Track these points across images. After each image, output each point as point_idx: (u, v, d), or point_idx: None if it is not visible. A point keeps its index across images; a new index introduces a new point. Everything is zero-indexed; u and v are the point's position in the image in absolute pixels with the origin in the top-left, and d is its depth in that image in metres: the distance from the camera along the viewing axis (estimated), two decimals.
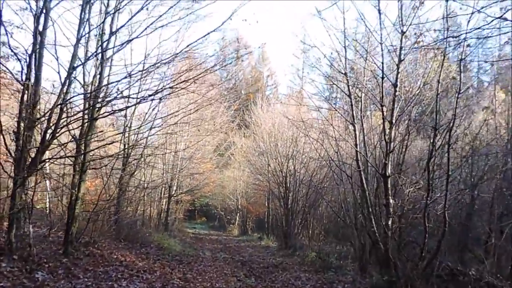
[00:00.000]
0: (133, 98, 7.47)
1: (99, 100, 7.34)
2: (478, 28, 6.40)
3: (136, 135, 11.38)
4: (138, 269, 8.55)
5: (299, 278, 10.57)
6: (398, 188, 9.75)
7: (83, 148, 7.75)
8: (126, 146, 10.74)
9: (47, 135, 6.44)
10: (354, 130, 9.82)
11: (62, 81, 6.65)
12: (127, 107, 7.30)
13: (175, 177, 19.80)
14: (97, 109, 7.60)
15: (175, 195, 21.16)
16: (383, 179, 9.07)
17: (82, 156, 7.78)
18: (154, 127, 11.01)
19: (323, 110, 14.47)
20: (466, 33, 6.81)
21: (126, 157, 11.85)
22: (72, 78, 6.94)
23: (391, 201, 8.90)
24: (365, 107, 10.42)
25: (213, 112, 19.84)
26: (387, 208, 8.91)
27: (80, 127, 7.81)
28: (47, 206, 10.26)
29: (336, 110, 10.70)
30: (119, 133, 8.17)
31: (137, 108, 12.61)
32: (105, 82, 8.34)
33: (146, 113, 11.33)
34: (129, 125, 11.70)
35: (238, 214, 32.31)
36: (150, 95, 7.10)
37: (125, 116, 12.13)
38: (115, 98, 7.27)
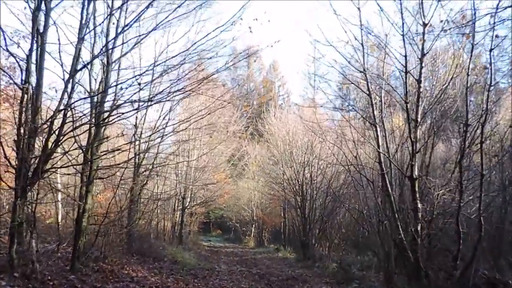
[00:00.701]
0: (143, 101, 7.04)
1: (106, 105, 6.93)
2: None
3: (147, 143, 10.98)
4: (150, 285, 8.03)
5: None
6: (426, 191, 9.12)
7: (89, 156, 7.32)
8: (136, 155, 10.30)
9: (49, 143, 6.02)
10: (376, 131, 9.24)
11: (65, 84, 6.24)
12: (138, 109, 6.81)
13: (189, 188, 19.35)
14: (104, 115, 7.18)
15: (188, 207, 20.69)
16: (410, 182, 8.45)
17: (89, 166, 7.34)
18: (165, 135, 10.57)
19: (339, 112, 13.93)
20: (496, 12, 6.24)
21: (136, 167, 11.45)
22: (76, 83, 6.54)
23: (419, 205, 8.26)
24: (386, 106, 9.85)
25: (226, 121, 19.42)
26: (415, 213, 8.28)
27: (87, 134, 7.41)
28: (58, 219, 9.84)
29: (355, 111, 10.10)
30: (128, 143, 7.70)
31: (147, 118, 12.27)
32: (112, 88, 7.96)
33: (157, 121, 10.93)
34: (139, 135, 11.31)
35: (253, 225, 31.62)
36: (160, 97, 6.67)
37: (135, 125, 11.77)
38: (124, 102, 6.83)
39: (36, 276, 5.86)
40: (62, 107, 6.11)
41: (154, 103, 6.86)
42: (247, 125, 24.24)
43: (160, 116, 10.96)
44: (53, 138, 6.20)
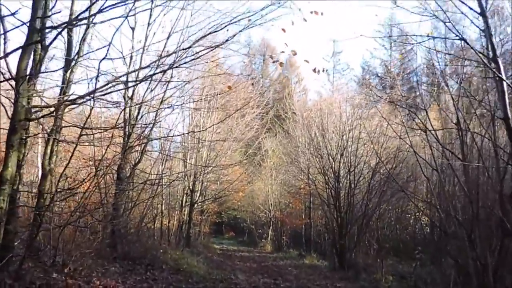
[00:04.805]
0: None
1: None
2: None
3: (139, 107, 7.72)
4: None
5: None
6: None
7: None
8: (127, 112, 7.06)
9: None
10: (497, 68, 5.72)
11: None
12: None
13: (198, 179, 16.09)
14: None
15: (199, 202, 17.38)
16: None
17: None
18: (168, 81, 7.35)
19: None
20: None
21: (126, 137, 8.20)
22: None
23: None
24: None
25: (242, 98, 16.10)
26: None
27: None
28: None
29: (462, 40, 6.31)
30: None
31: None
32: None
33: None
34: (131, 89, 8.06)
35: (270, 227, 28.27)
36: None
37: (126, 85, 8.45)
38: None
39: None
40: None
41: None
42: (266, 112, 20.85)
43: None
44: None
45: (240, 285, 9.66)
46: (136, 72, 7.59)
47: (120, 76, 4.78)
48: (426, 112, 8.61)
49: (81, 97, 4.29)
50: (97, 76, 4.45)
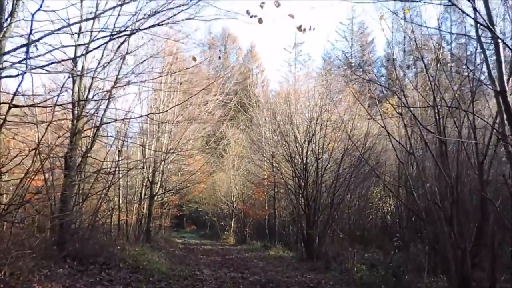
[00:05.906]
0: None
1: None
2: None
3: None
4: None
5: None
6: None
7: None
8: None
9: None
10: (494, 34, 5.22)
11: None
12: None
13: (158, 169, 15.12)
14: None
15: (159, 194, 16.37)
16: None
17: None
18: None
19: None
20: None
21: (75, 120, 7.19)
22: None
23: None
24: None
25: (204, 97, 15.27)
26: None
27: None
28: None
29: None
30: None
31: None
32: None
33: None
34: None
35: (233, 219, 27.61)
36: None
37: (75, 52, 7.41)
38: None
39: None
40: None
41: None
42: (229, 99, 19.93)
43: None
44: None
45: (206, 281, 8.94)
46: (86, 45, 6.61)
47: (66, 26, 3.85)
48: (403, 91, 8.17)
49: (7, 53, 3.33)
50: (30, 33, 3.51)
